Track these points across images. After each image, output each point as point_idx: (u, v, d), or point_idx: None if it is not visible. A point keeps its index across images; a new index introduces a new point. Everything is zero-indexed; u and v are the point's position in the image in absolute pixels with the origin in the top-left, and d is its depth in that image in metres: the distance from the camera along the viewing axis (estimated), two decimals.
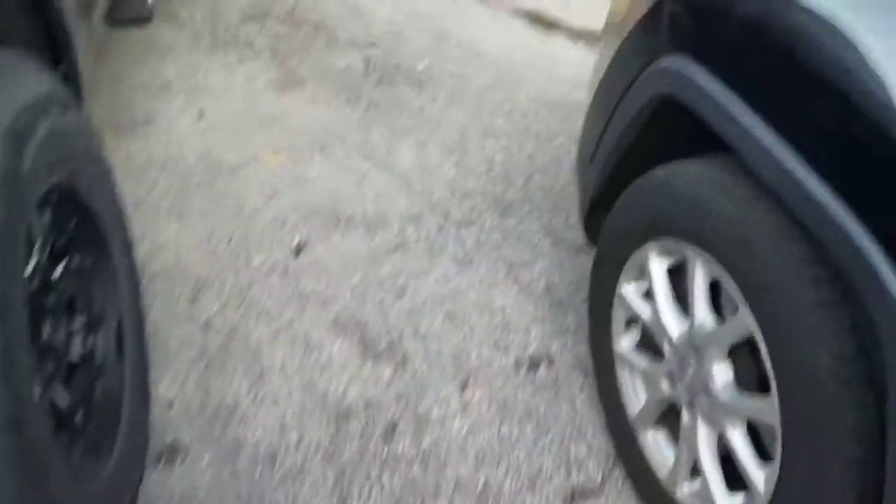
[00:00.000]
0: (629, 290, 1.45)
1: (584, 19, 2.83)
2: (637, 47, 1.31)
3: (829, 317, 1.00)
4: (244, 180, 2.16)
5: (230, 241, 2.00)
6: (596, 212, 1.55)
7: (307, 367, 1.74)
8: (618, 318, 1.51)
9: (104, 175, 1.46)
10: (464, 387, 1.75)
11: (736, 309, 1.16)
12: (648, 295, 1.40)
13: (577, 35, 2.82)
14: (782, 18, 0.99)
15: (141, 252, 1.87)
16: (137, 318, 1.52)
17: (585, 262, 2.03)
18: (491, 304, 1.93)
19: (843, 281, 0.97)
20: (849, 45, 0.90)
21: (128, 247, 1.52)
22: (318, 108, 2.43)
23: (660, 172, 1.30)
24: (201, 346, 1.76)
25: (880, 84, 0.86)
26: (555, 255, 2.07)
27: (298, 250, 2.01)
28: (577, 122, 2.42)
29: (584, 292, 1.93)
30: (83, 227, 1.33)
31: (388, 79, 2.57)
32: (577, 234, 2.08)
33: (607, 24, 1.66)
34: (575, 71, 2.66)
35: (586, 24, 2.82)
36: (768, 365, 1.10)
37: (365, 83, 2.55)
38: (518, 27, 2.88)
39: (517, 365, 1.81)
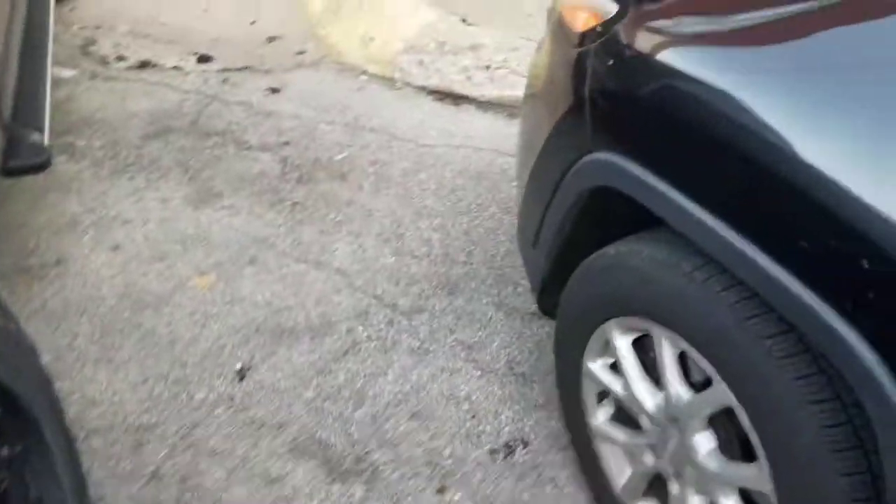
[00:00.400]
0: (596, 366, 1.40)
1: (489, 91, 2.86)
2: (565, 141, 1.32)
3: (806, 388, 0.98)
4: (173, 311, 2.03)
5: (167, 380, 1.85)
6: (548, 290, 1.52)
7: None
8: (589, 393, 1.45)
9: (25, 351, 1.32)
10: (442, 490, 1.64)
11: (710, 379, 1.12)
12: (617, 367, 1.34)
13: (486, 106, 2.83)
14: (692, 107, 1.05)
15: (72, 410, 1.71)
16: (79, 489, 1.37)
17: (541, 328, 1.98)
18: (455, 394, 1.84)
19: (812, 352, 0.96)
20: (751, 118, 0.95)
21: (60, 419, 1.38)
22: (240, 218, 2.34)
23: (610, 251, 1.28)
24: (154, 501, 1.60)
25: (786, 149, 0.92)
26: (510, 327, 2.01)
27: (242, 376, 1.88)
28: (506, 189, 2.43)
29: (546, 361, 1.88)
30: (8, 415, 1.19)
31: (309, 176, 2.51)
32: (528, 300, 2.03)
33: (527, 96, 1.66)
34: (493, 139, 2.67)
35: (492, 95, 2.84)
36: (752, 435, 1.06)
37: (285, 184, 2.47)
38: (427, 105, 2.87)
39: (493, 454, 1.71)
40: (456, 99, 2.92)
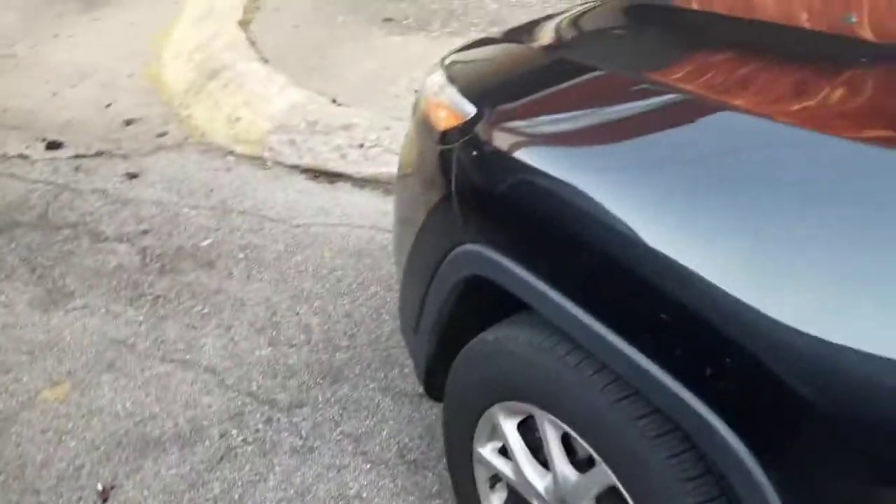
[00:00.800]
0: (486, 451, 1.36)
1: (364, 168, 2.81)
2: (437, 232, 1.35)
3: (679, 465, 0.98)
4: (21, 430, 1.79)
5: None
6: (433, 375, 1.47)
7: None
8: (481, 478, 1.41)
9: None
10: None
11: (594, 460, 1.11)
12: (506, 451, 1.31)
13: (363, 182, 2.78)
14: (546, 201, 1.10)
15: None
16: None
17: (431, 409, 1.89)
18: (345, 493, 1.70)
19: (682, 430, 0.97)
20: (598, 210, 1.01)
21: None
22: (96, 319, 2.13)
23: (488, 337, 1.27)
24: None
25: (629, 239, 0.96)
26: (399, 412, 1.90)
27: (105, 497, 1.67)
28: (387, 266, 2.36)
29: (438, 445, 1.78)
30: None
31: (172, 266, 2.34)
32: (416, 381, 1.93)
33: (399, 177, 1.64)
34: (371, 216, 2.61)
35: (368, 172, 2.80)
36: None
37: (145, 277, 2.29)
38: (301, 184, 2.79)
39: None
40: (331, 177, 2.85)
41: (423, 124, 1.43)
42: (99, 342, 2.05)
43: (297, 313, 2.18)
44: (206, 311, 2.18)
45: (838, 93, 1.05)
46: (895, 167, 0.84)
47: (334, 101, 3.10)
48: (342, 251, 2.45)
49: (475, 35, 3.84)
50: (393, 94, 3.23)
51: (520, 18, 4.38)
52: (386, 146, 2.88)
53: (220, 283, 2.28)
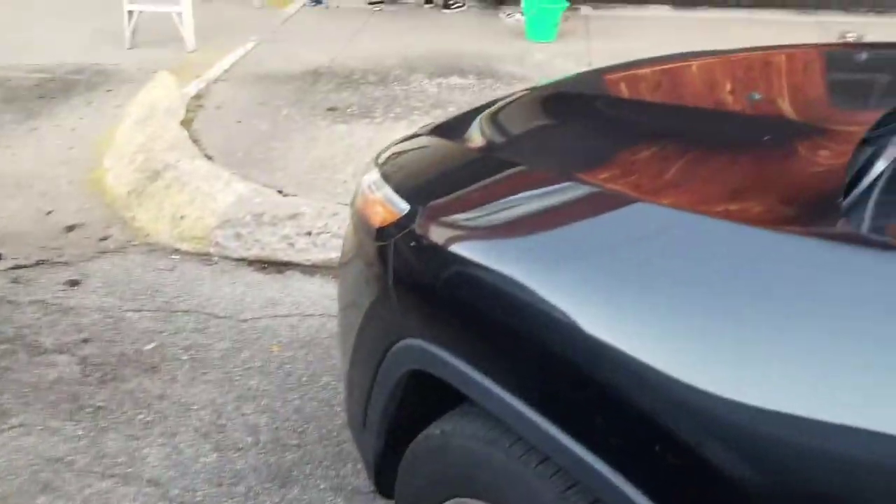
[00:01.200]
0: None
1: (314, 255, 2.79)
2: (378, 327, 1.35)
3: None
4: None
5: None
6: (384, 471, 1.42)
7: None
8: None
9: None
10: None
11: None
12: None
13: (313, 269, 2.75)
14: (478, 293, 1.12)
15: None
16: None
17: None
18: None
19: None
20: (530, 302, 1.02)
21: None
22: (31, 438, 2.01)
23: (435, 431, 1.24)
24: None
25: (564, 327, 0.97)
26: None
27: None
28: (338, 355, 2.30)
29: None
30: None
31: (114, 374, 2.24)
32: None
33: (341, 265, 1.64)
34: (322, 303, 2.56)
35: (317, 259, 2.77)
36: None
37: (86, 388, 2.19)
38: (248, 277, 2.74)
39: None
40: (279, 266, 2.81)
41: (360, 221, 1.46)
42: (34, 462, 1.94)
43: (244, 414, 2.09)
44: (149, 419, 2.08)
45: (738, 176, 1.11)
46: (785, 249, 0.88)
47: (280, 191, 3.09)
48: (291, 343, 2.38)
49: (418, 118, 3.91)
50: (340, 181, 3.24)
51: (459, 101, 4.49)
52: (334, 232, 2.86)
53: (163, 389, 2.19)
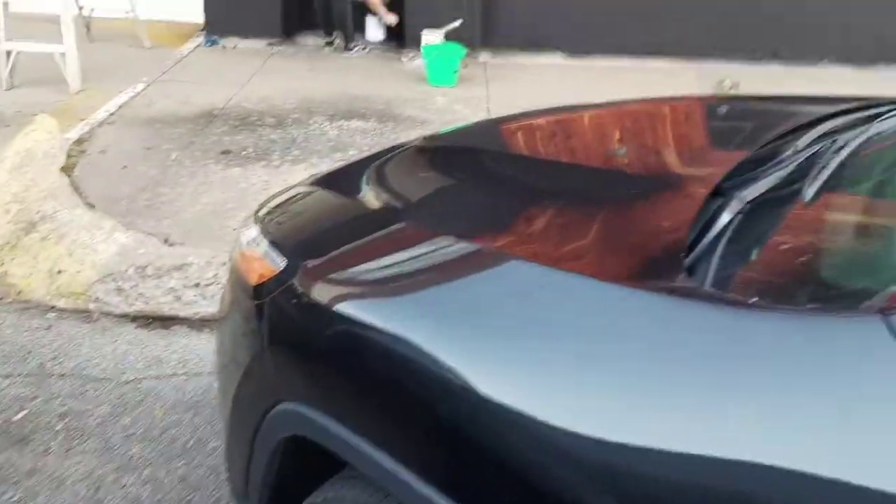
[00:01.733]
0: None
1: (202, 308, 2.67)
2: (254, 391, 1.31)
3: None
4: None
5: None
6: None
7: None
8: None
9: None
10: None
11: None
12: None
13: (201, 324, 2.63)
14: (359, 357, 1.10)
15: None
16: None
17: None
18: None
19: None
20: (408, 362, 1.02)
21: None
22: None
23: (317, 499, 1.20)
24: None
25: (441, 387, 0.96)
26: None
27: None
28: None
29: None
30: None
31: None
32: None
33: (218, 323, 1.59)
34: (209, 361, 2.43)
35: (206, 312, 2.65)
36: None
37: None
38: (131, 334, 2.59)
39: None
40: (165, 322, 2.67)
41: (237, 278, 1.41)
42: None
43: (125, 486, 1.95)
44: (16, 497, 1.91)
45: (601, 232, 1.16)
46: (630, 303, 0.92)
47: (167, 241, 2.96)
48: (177, 405, 2.26)
49: (317, 162, 3.85)
50: (231, 228, 3.13)
51: (360, 144, 4.47)
52: (224, 283, 2.76)
53: (34, 462, 2.02)
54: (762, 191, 1.13)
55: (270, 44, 5.97)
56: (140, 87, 4.86)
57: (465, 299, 1.05)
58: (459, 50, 5.23)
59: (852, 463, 0.71)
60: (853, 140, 1.29)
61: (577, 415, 0.86)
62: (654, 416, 0.82)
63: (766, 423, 0.75)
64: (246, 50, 5.90)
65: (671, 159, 1.48)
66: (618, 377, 0.86)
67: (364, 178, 1.53)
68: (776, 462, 0.73)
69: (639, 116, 1.72)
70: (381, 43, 6.27)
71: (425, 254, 1.17)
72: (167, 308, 2.70)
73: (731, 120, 1.72)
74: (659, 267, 1.01)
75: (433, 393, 0.98)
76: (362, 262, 1.22)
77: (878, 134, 1.34)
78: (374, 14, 5.99)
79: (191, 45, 5.96)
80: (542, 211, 1.27)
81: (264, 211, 1.51)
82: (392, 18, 5.88)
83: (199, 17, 6.13)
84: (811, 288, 0.92)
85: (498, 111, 4.08)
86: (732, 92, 4.91)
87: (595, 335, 0.91)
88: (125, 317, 2.67)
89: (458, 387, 0.94)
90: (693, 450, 0.78)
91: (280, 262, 1.28)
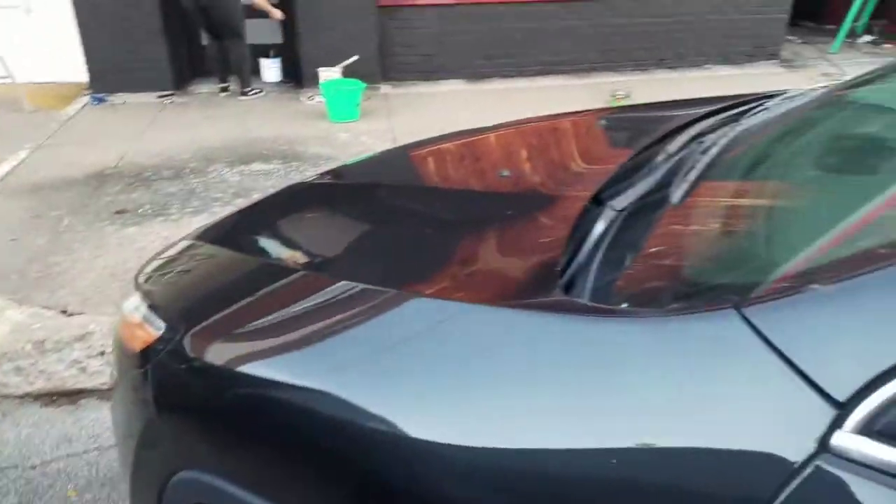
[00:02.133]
0: None
1: (109, 378, 2.53)
2: (151, 461, 1.27)
3: None
4: None
5: None
6: None
7: None
8: None
9: None
10: None
11: None
12: None
13: (110, 394, 2.48)
14: (258, 415, 1.06)
15: None
16: None
17: None
18: None
19: None
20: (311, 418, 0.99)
21: None
22: None
23: None
24: None
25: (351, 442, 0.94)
26: None
27: None
28: None
29: None
30: None
31: None
32: None
33: (111, 390, 1.54)
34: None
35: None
36: None
37: None
38: (36, 415, 2.43)
39: None
40: (71, 397, 2.52)
41: (121, 348, 1.37)
42: None
43: None
44: None
45: (486, 257, 1.17)
46: (508, 322, 0.94)
47: (65, 311, 2.81)
48: (91, 483, 2.13)
49: (219, 209, 3.75)
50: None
51: (264, 186, 4.39)
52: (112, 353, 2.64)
53: None
54: (633, 198, 1.15)
55: (162, 96, 5.83)
56: (23, 154, 4.65)
57: (365, 344, 1.02)
58: (359, 84, 5.24)
59: (710, 448, 0.76)
60: (720, 139, 1.34)
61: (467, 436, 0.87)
62: (532, 423, 0.85)
63: (635, 423, 0.79)
64: (136, 104, 5.73)
65: (552, 176, 1.51)
66: (498, 398, 0.88)
67: (248, 228, 1.50)
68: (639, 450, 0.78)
69: (522, 136, 1.74)
70: (279, 84, 6.22)
71: (316, 302, 1.14)
72: (72, 381, 2.55)
73: (612, 131, 1.76)
74: (537, 284, 1.02)
75: (337, 444, 0.95)
76: (249, 318, 1.17)
77: (744, 131, 1.40)
78: (263, 10, 5.77)
79: (76, 105, 5.74)
80: (432, 245, 1.27)
81: (144, 273, 1.46)
82: (279, 14, 5.81)
83: (82, 76, 5.92)
84: (677, 289, 0.94)
85: (403, 140, 4.10)
86: (623, 102, 5.10)
87: (480, 359, 0.91)
88: (27, 397, 2.50)
89: (363, 437, 0.92)
90: (567, 446, 0.82)
91: (161, 326, 1.24)
